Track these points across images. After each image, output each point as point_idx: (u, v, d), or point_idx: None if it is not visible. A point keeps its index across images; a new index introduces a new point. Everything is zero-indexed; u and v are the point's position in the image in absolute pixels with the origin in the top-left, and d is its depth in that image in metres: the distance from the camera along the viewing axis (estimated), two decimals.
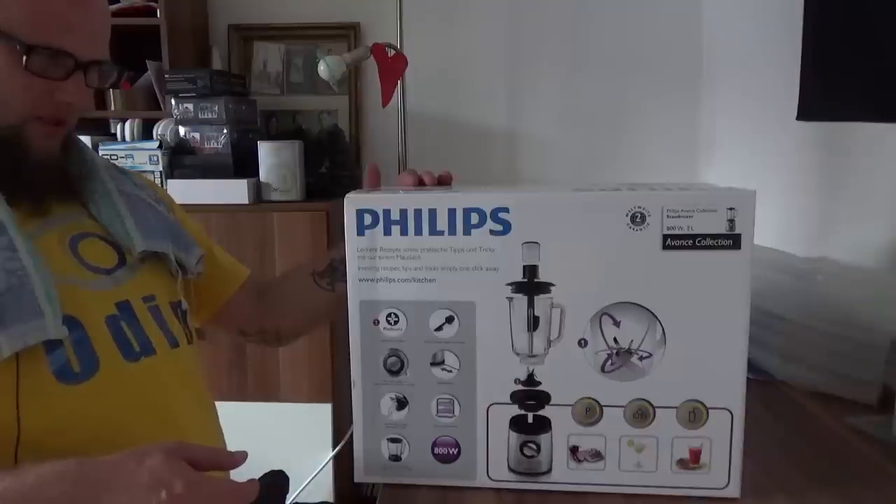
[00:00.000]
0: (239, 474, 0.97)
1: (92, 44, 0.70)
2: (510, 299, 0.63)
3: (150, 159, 1.73)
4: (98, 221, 0.76)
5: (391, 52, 1.75)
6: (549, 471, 0.66)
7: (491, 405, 0.66)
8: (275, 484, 1.09)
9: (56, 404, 0.64)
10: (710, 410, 0.63)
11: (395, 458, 0.68)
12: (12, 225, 0.65)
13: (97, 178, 0.78)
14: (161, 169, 1.73)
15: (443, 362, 0.66)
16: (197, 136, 1.74)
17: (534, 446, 0.65)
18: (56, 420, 0.64)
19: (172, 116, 1.77)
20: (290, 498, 1.58)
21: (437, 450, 0.67)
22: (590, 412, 0.65)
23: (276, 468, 1.12)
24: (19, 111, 0.67)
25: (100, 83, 0.74)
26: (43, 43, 0.65)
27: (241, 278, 0.95)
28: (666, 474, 0.65)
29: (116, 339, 0.70)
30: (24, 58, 0.65)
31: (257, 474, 1.11)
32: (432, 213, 0.63)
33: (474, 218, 0.62)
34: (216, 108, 1.74)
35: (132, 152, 1.75)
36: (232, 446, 0.86)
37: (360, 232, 0.64)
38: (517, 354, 0.64)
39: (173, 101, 1.76)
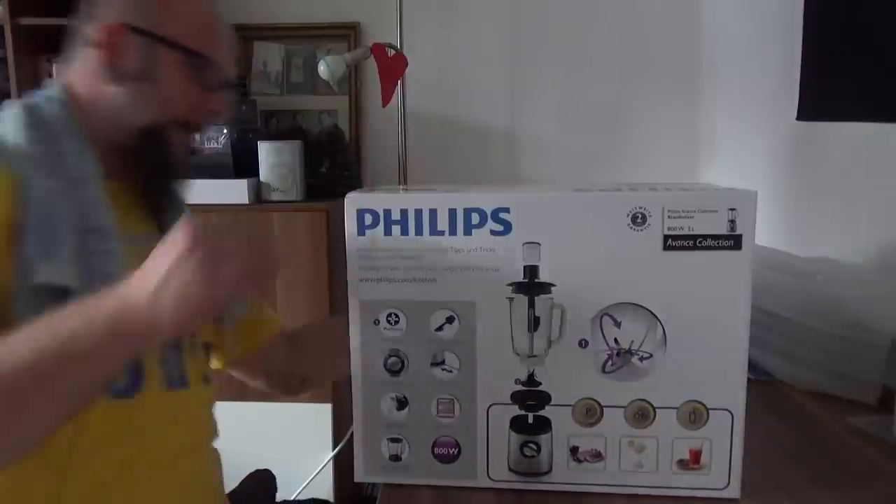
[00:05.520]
0: (232, 475, 0.97)
1: (231, 65, 0.81)
2: (511, 299, 0.63)
3: None
4: None
5: (391, 52, 1.75)
6: (550, 471, 0.66)
7: (491, 405, 0.66)
8: (261, 482, 1.09)
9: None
10: (710, 411, 0.63)
11: (396, 457, 0.68)
12: (117, 230, 0.69)
13: (180, 203, 0.83)
14: None
15: (443, 362, 0.66)
16: (197, 136, 1.74)
17: (534, 446, 0.65)
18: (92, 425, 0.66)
19: None
20: (292, 496, 1.58)
21: (437, 450, 0.67)
22: (590, 412, 0.65)
23: (262, 467, 1.12)
24: (173, 113, 0.75)
25: (229, 101, 0.82)
26: (207, 56, 0.75)
27: (277, 329, 0.96)
28: (666, 475, 0.65)
29: (162, 366, 0.74)
30: (192, 66, 0.74)
31: None
32: (433, 213, 0.63)
33: (475, 218, 0.62)
34: None
35: None
36: (232, 446, 0.86)
37: (361, 232, 0.64)
38: (517, 355, 0.64)
39: None
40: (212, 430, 0.84)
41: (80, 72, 0.74)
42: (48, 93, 0.73)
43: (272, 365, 0.96)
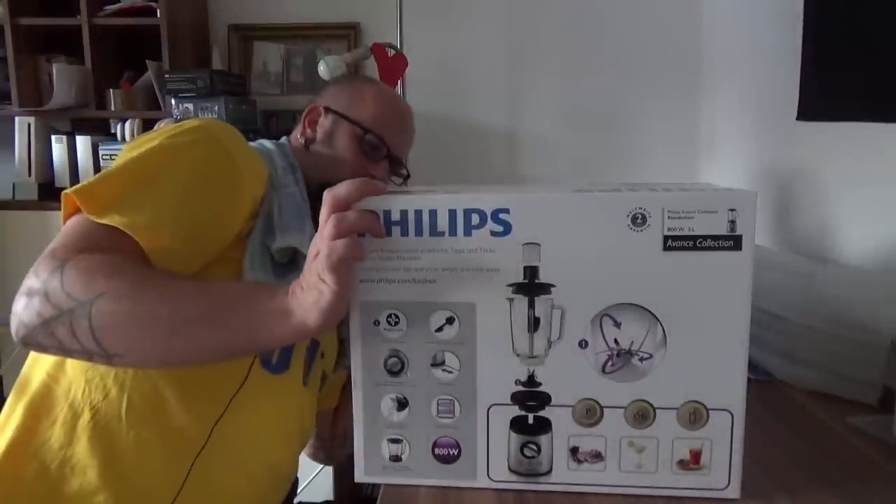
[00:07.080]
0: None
1: (402, 148, 1.01)
2: (511, 300, 0.63)
3: None
4: None
5: (391, 52, 1.75)
6: (550, 471, 0.66)
7: (491, 406, 0.66)
8: None
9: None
10: (710, 411, 0.63)
11: (396, 458, 0.68)
12: None
13: None
14: None
15: (443, 363, 0.66)
16: None
17: (534, 447, 0.66)
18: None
19: (172, 116, 1.77)
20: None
21: (437, 450, 0.67)
22: (590, 413, 0.65)
23: None
24: (342, 174, 0.87)
25: (396, 174, 1.02)
26: (376, 132, 0.95)
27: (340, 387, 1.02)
28: (666, 475, 0.65)
29: (304, 359, 0.84)
30: (362, 137, 0.95)
31: None
32: (433, 213, 0.63)
33: (475, 219, 0.62)
34: (216, 108, 1.74)
35: None
36: None
37: (361, 233, 0.64)
38: (518, 355, 0.64)
39: (173, 101, 1.76)
40: (310, 430, 0.93)
41: (293, 136, 0.99)
42: (282, 141, 0.97)
43: (323, 426, 1.00)
